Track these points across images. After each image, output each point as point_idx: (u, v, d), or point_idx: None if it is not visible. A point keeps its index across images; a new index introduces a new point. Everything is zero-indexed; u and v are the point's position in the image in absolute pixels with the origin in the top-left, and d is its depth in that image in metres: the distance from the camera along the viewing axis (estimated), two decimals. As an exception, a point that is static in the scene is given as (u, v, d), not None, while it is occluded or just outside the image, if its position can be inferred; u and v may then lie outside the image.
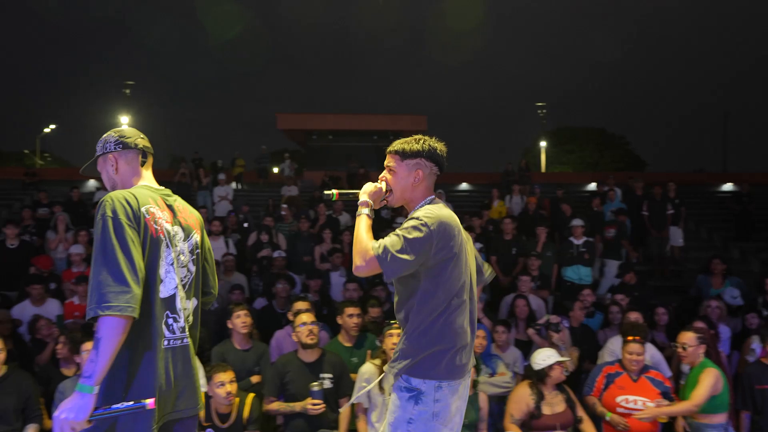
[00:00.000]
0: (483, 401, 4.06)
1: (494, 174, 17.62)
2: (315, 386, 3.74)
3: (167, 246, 2.03)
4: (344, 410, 3.94)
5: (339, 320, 4.48)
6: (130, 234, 1.89)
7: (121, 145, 2.15)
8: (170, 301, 2.03)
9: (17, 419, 3.65)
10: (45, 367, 4.54)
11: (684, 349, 3.87)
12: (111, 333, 1.77)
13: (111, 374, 1.84)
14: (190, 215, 2.22)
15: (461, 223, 2.28)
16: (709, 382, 3.71)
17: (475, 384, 4.07)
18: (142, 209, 1.97)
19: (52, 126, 32.37)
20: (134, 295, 1.82)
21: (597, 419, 4.02)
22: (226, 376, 3.66)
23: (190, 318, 2.15)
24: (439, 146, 2.27)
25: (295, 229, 8.42)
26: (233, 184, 14.76)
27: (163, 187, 2.21)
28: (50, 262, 7.13)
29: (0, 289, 6.34)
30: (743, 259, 10.33)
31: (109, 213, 1.89)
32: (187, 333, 2.10)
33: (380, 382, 3.53)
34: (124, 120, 26.76)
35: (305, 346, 3.95)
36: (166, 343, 2.00)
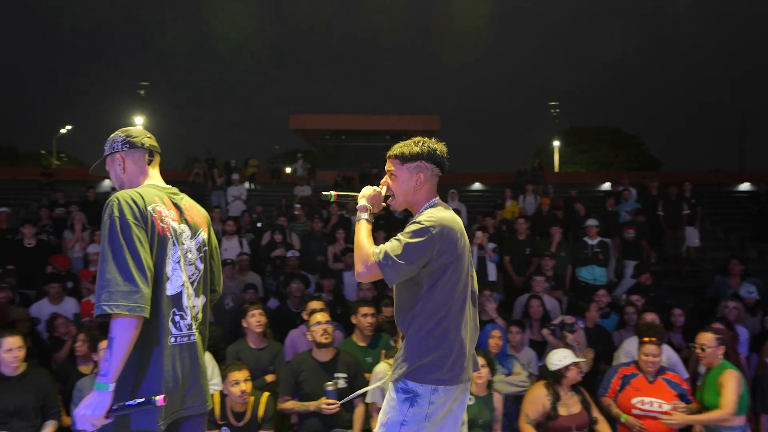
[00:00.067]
0: (497, 401, 4.04)
1: (507, 174, 17.56)
2: (329, 386, 3.75)
3: (174, 244, 2.06)
4: (359, 410, 3.95)
5: (353, 320, 4.49)
6: (138, 233, 1.92)
7: (128, 145, 2.18)
8: (177, 299, 2.05)
9: (36, 416, 3.70)
10: (63, 365, 4.60)
11: (702, 350, 3.82)
12: (123, 332, 1.82)
13: (121, 372, 1.87)
14: (197, 213, 2.24)
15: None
16: (734, 385, 3.65)
17: (489, 384, 4.06)
18: (149, 208, 2.00)
19: (68, 127, 32.72)
20: (143, 295, 1.86)
21: (612, 421, 3.99)
22: (240, 375, 3.68)
23: (199, 315, 2.17)
24: (439, 147, 2.26)
25: (308, 229, 8.45)
26: (246, 184, 14.84)
27: (170, 186, 2.23)
28: (67, 261, 7.22)
29: (19, 288, 6.42)
30: (761, 260, 10.20)
31: (116, 213, 1.92)
32: (194, 330, 2.11)
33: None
34: (139, 120, 26.98)
35: (320, 346, 3.96)
36: (173, 340, 2.02)
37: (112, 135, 2.22)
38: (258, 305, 4.57)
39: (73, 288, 6.24)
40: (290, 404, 3.93)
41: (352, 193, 2.33)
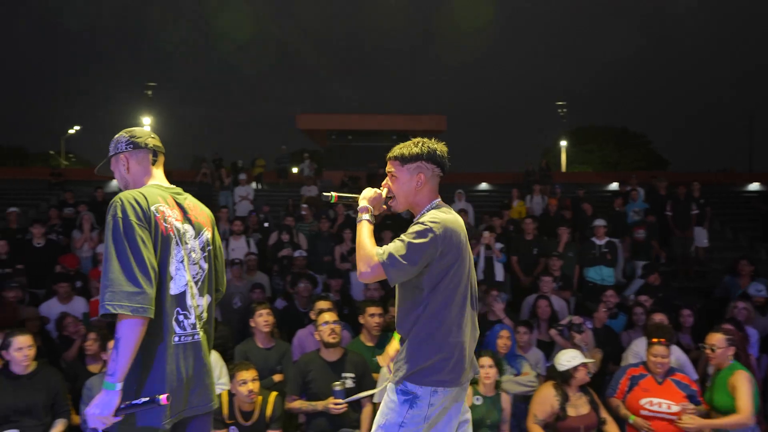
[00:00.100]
0: (506, 402, 4.03)
1: (514, 174, 17.51)
2: (337, 386, 3.75)
3: (177, 244, 2.07)
4: (366, 410, 3.95)
5: (361, 320, 4.49)
6: (141, 234, 1.94)
7: (132, 145, 2.20)
8: (180, 298, 2.06)
9: (47, 414, 3.72)
10: (72, 364, 4.62)
11: (712, 350, 3.80)
12: (129, 333, 1.85)
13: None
14: (201, 213, 2.26)
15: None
16: (747, 387, 3.61)
17: (497, 384, 4.05)
18: (152, 208, 2.01)
19: (77, 127, 32.89)
20: (147, 296, 1.88)
21: (621, 422, 3.97)
22: (248, 375, 3.69)
23: (204, 314, 2.18)
24: (439, 147, 2.25)
25: (315, 229, 8.45)
26: (253, 184, 14.87)
27: (173, 186, 2.24)
28: (76, 261, 7.26)
29: (28, 287, 6.46)
30: (770, 260, 10.13)
31: (119, 214, 1.94)
32: (198, 329, 2.12)
33: None
34: (146, 121, 27.08)
35: (327, 345, 3.96)
36: (177, 339, 2.04)
37: (117, 135, 2.24)
38: (266, 305, 4.58)
39: (82, 287, 6.28)
40: (298, 404, 3.93)
41: (353, 195, 2.32)
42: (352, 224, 8.55)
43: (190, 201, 2.24)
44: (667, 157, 38.68)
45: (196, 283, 2.14)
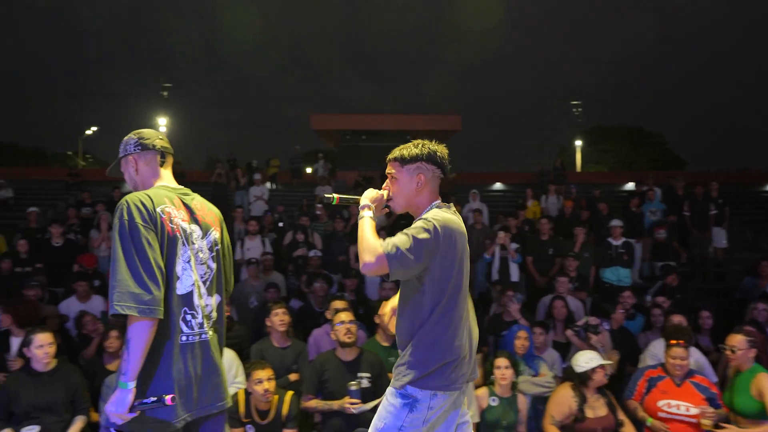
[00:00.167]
0: (522, 403, 4.02)
1: (529, 174, 17.42)
2: (353, 385, 3.76)
3: (183, 244, 2.09)
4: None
5: (376, 319, 4.49)
6: (146, 235, 1.97)
7: (140, 147, 2.23)
8: (187, 298, 2.09)
9: (66, 411, 3.77)
10: (90, 362, 4.68)
11: (733, 352, 3.74)
12: (139, 334, 1.90)
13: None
14: (209, 213, 2.28)
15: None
16: None
17: (514, 385, 4.03)
18: (158, 209, 2.04)
19: (94, 128, 33.27)
20: (154, 297, 1.92)
21: (638, 424, 3.93)
22: (264, 374, 3.71)
23: (213, 314, 2.20)
24: (440, 149, 2.24)
25: (330, 229, 8.47)
26: (268, 184, 14.94)
27: (181, 186, 2.27)
28: (94, 260, 7.35)
29: (47, 286, 6.55)
30: (791, 262, 9.94)
31: (125, 216, 1.97)
32: (206, 329, 2.14)
33: None
34: (162, 121, 27.33)
35: (343, 345, 3.97)
36: (184, 338, 2.06)
37: (126, 137, 2.27)
38: (281, 304, 4.60)
39: (100, 286, 6.35)
40: (313, 403, 3.94)
41: (354, 197, 2.32)
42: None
43: (197, 201, 2.26)
44: (684, 157, 38.26)
45: (204, 282, 2.16)
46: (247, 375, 3.81)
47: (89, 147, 36.45)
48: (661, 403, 3.85)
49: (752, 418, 3.65)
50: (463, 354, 2.12)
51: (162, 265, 1.99)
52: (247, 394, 3.80)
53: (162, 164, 2.26)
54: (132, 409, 1.92)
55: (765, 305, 5.38)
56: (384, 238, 2.05)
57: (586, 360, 3.83)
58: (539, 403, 4.17)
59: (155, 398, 1.94)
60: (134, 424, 1.96)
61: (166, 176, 2.26)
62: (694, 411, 3.73)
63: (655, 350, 4.56)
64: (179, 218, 2.11)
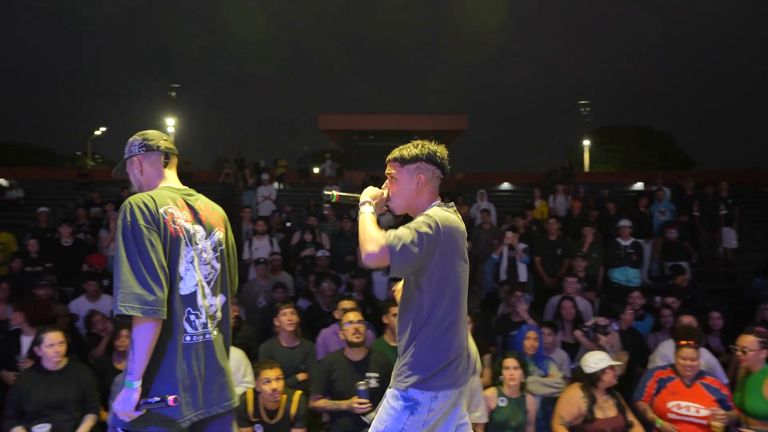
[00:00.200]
0: (530, 404, 4.00)
1: (536, 174, 17.36)
2: (361, 385, 3.76)
3: (187, 245, 2.10)
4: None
5: (385, 319, 4.49)
6: (149, 236, 1.98)
7: (144, 148, 2.25)
8: (191, 298, 2.10)
9: (77, 409, 3.79)
10: (100, 361, 4.70)
11: (744, 352, 3.72)
12: (143, 334, 1.92)
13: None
14: (213, 213, 2.28)
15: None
16: None
17: (522, 386, 4.02)
18: (161, 210, 2.05)
19: (102, 129, 33.49)
20: (157, 298, 1.93)
21: (648, 425, 3.91)
22: (272, 373, 3.72)
23: (218, 314, 2.21)
24: (439, 150, 2.23)
25: (338, 229, 8.48)
26: (275, 184, 14.98)
27: (185, 187, 2.28)
28: (104, 260, 7.39)
29: (57, 285, 6.59)
30: (801, 262, 9.87)
31: (128, 217, 1.99)
32: (210, 329, 2.15)
33: None
34: (170, 122, 27.47)
35: (351, 345, 3.97)
36: (188, 338, 2.08)
37: (131, 139, 2.29)
38: (290, 304, 4.61)
39: (109, 285, 6.38)
40: (322, 403, 3.95)
41: (354, 195, 2.30)
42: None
43: (201, 202, 2.27)
44: (693, 157, 38.00)
45: (208, 283, 2.17)
46: (256, 374, 3.81)
47: (98, 147, 36.71)
48: (670, 405, 3.82)
49: (764, 420, 3.62)
50: (463, 352, 2.13)
51: (165, 265, 2.01)
52: (256, 393, 3.80)
53: (166, 165, 2.27)
54: (138, 408, 1.95)
55: (776, 306, 5.35)
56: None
57: (595, 361, 3.82)
58: (548, 403, 4.16)
59: (159, 398, 1.96)
60: (141, 422, 1.98)
61: (171, 177, 2.28)
62: (704, 413, 3.71)
63: (665, 351, 4.53)
64: (182, 219, 2.12)
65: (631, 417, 3.85)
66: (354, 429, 3.83)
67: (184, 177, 2.38)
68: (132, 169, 2.28)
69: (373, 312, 5.67)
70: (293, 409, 3.79)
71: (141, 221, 1.99)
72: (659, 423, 3.81)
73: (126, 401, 1.93)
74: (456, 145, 22.41)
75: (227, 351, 2.26)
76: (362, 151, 20.61)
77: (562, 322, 5.40)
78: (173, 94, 28.16)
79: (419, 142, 2.24)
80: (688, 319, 4.66)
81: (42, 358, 3.78)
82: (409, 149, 2.21)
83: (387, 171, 2.26)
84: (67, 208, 13.30)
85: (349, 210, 9.46)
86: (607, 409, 3.76)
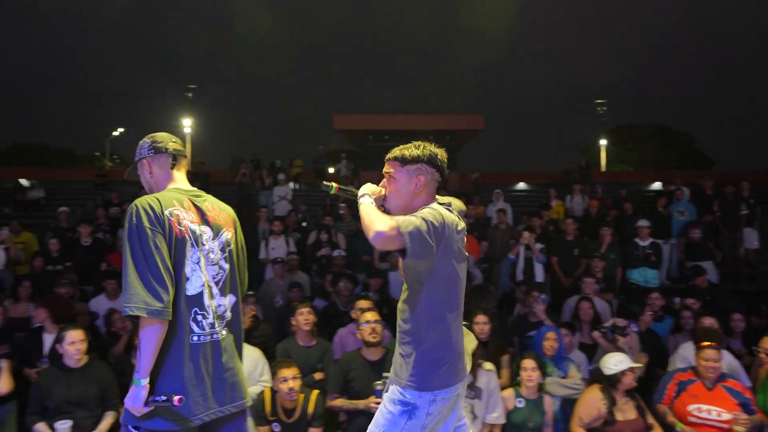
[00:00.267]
0: (548, 405, 3.97)
1: (552, 173, 17.24)
2: (378, 385, 3.76)
3: (192, 246, 2.12)
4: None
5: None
6: (154, 239, 2.01)
7: (153, 150, 2.28)
8: (198, 299, 2.12)
9: (97, 406, 3.83)
10: (119, 359, 4.76)
11: (767, 355, 3.66)
12: (149, 334, 1.97)
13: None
14: (221, 214, 2.30)
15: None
16: None
17: (540, 387, 3.99)
18: (166, 212, 2.08)
19: (120, 129, 33.87)
20: (162, 299, 1.97)
21: (667, 429, 3.86)
22: (289, 372, 3.73)
23: (227, 314, 2.22)
24: (440, 153, 2.20)
25: (353, 229, 8.49)
26: (291, 184, 15.04)
27: (194, 188, 2.30)
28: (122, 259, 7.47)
29: (77, 284, 6.68)
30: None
31: (133, 220, 2.03)
32: (218, 329, 2.16)
33: None
34: (187, 122, 27.71)
35: (368, 344, 3.97)
36: (195, 338, 2.10)
37: (141, 141, 2.32)
38: (307, 304, 4.62)
39: (127, 285, 6.45)
40: (339, 402, 3.96)
41: (353, 189, 2.28)
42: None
43: (209, 203, 2.29)
44: (712, 156, 37.47)
45: (216, 283, 2.19)
46: (273, 373, 3.83)
47: (116, 148, 37.10)
48: (691, 408, 3.77)
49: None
50: (460, 350, 2.12)
51: (170, 267, 2.03)
52: (273, 392, 3.82)
53: (173, 167, 2.30)
54: (146, 404, 2.00)
55: (799, 308, 5.26)
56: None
57: (615, 362, 3.77)
58: (568, 405, 4.12)
59: (165, 397, 2.00)
60: (151, 419, 2.02)
61: (179, 178, 2.30)
62: (726, 416, 3.65)
63: (685, 353, 4.47)
64: (188, 220, 2.14)
65: (651, 419, 3.80)
66: (371, 429, 3.84)
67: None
68: (142, 171, 2.32)
69: (390, 312, 5.66)
70: (310, 409, 3.81)
71: (146, 223, 2.02)
72: (679, 427, 3.76)
73: (135, 398, 1.99)
74: (472, 145, 22.35)
75: (239, 350, 2.28)
76: (378, 151, 20.58)
77: (579, 323, 5.35)
78: (189, 95, 28.45)
79: (420, 142, 2.21)
80: (709, 321, 4.59)
81: (63, 355, 3.84)
82: (410, 149, 2.18)
83: (385, 170, 2.23)
84: (86, 208, 13.47)
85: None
86: (627, 411, 3.72)
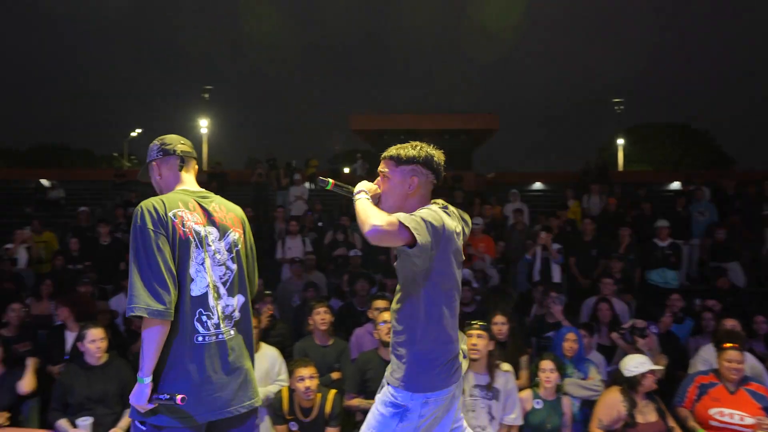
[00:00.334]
0: (566, 406, 3.94)
1: (568, 173, 17.10)
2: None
3: (197, 247, 2.14)
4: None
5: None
6: (156, 240, 2.04)
7: (162, 152, 2.31)
8: (203, 299, 2.13)
9: (117, 404, 3.87)
10: (138, 357, 4.80)
11: (791, 359, 3.59)
12: (151, 334, 2.00)
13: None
14: (228, 214, 2.30)
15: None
16: None
17: (558, 388, 3.96)
18: (170, 214, 2.10)
19: (138, 130, 34.24)
20: (164, 300, 1.99)
21: (687, 432, 3.81)
22: (306, 371, 3.74)
23: (236, 314, 2.23)
24: (437, 154, 2.16)
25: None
26: (307, 184, 15.08)
27: (201, 190, 2.32)
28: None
29: (97, 283, 6.77)
30: None
31: (138, 222, 2.06)
32: (224, 329, 2.17)
33: None
34: (203, 123, 27.94)
35: (385, 344, 3.97)
36: (200, 339, 2.11)
37: (151, 143, 2.35)
38: (324, 303, 4.64)
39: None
40: (356, 402, 3.96)
41: (349, 186, 2.26)
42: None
43: (216, 204, 2.30)
44: (733, 156, 36.87)
45: (224, 283, 2.20)
46: (290, 373, 3.85)
47: (134, 149, 37.50)
48: (712, 411, 3.71)
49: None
50: (455, 351, 2.11)
51: (173, 268, 2.05)
52: (291, 391, 3.84)
53: (181, 168, 2.32)
54: (150, 401, 2.04)
55: (824, 310, 5.16)
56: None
57: (635, 364, 3.72)
58: (587, 406, 4.08)
59: (168, 396, 2.03)
60: (157, 416, 2.05)
61: (188, 180, 2.33)
62: (749, 421, 3.58)
63: (706, 355, 4.40)
64: (192, 221, 2.16)
65: (671, 423, 3.75)
66: (388, 429, 3.83)
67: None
68: (152, 173, 2.36)
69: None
70: (328, 408, 3.81)
71: (150, 225, 2.04)
72: (700, 431, 3.71)
73: (139, 395, 2.03)
74: (488, 144, 22.25)
75: (249, 350, 2.28)
76: (393, 151, 20.57)
77: (598, 324, 5.30)
78: (206, 95, 28.67)
79: (417, 143, 2.18)
80: (731, 323, 4.52)
81: (84, 353, 3.89)
82: (406, 149, 2.15)
83: (380, 168, 2.20)
84: (105, 207, 13.63)
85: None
86: (647, 414, 3.67)
